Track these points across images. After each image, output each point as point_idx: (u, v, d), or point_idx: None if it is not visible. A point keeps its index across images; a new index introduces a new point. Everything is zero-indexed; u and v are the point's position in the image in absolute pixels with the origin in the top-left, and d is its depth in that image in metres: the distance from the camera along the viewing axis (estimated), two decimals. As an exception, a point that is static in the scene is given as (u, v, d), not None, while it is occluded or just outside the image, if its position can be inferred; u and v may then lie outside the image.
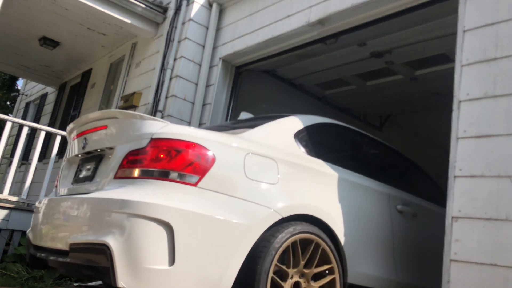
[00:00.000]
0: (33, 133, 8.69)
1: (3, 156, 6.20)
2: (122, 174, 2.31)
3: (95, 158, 2.63)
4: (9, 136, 5.12)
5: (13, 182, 5.11)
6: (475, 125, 2.72)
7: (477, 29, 2.90)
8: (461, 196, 2.66)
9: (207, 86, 5.33)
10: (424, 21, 4.19)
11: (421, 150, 7.59)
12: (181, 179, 2.23)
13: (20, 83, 16.00)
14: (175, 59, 5.39)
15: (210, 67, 5.39)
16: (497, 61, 2.74)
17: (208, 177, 2.27)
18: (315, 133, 3.10)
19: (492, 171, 2.57)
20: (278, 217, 2.41)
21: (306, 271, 2.50)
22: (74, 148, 2.88)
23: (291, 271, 2.44)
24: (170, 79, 5.32)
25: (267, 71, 6.06)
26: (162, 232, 2.08)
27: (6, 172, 8.89)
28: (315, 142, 3.05)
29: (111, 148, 2.49)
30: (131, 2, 5.61)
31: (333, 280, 2.58)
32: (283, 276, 2.41)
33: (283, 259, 2.43)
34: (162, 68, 5.41)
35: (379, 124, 7.66)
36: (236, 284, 2.22)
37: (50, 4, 5.86)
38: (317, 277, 2.56)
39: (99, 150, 2.60)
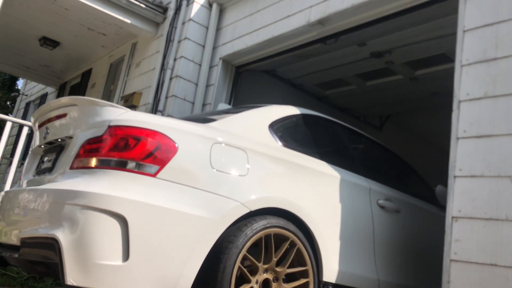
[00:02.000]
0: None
1: (3, 156, 6.20)
2: (79, 164, 2.18)
3: (56, 148, 2.50)
4: (9, 136, 5.11)
5: (13, 182, 5.11)
6: (475, 125, 2.72)
7: (477, 29, 2.90)
8: (461, 196, 2.66)
9: (207, 86, 5.33)
10: (424, 21, 4.19)
11: (421, 150, 7.61)
12: (139, 170, 2.10)
13: (20, 83, 16.02)
14: (175, 59, 5.38)
15: (210, 67, 5.39)
16: (497, 61, 2.74)
17: (169, 167, 2.14)
18: (293, 124, 2.97)
19: (492, 171, 2.57)
20: (246, 211, 2.28)
21: (276, 268, 2.38)
22: (37, 139, 2.78)
23: (260, 267, 2.31)
24: (170, 79, 5.32)
25: (267, 71, 6.06)
26: (115, 226, 1.96)
27: (6, 172, 8.89)
28: (292, 133, 2.93)
29: (70, 137, 2.36)
30: (131, 2, 5.61)
31: (307, 276, 2.48)
32: (251, 272, 2.28)
33: (254, 254, 2.31)
34: (162, 68, 5.41)
35: (379, 124, 7.66)
36: (197, 282, 2.10)
37: (50, 4, 5.85)
38: (289, 275, 2.46)
39: (60, 140, 2.47)
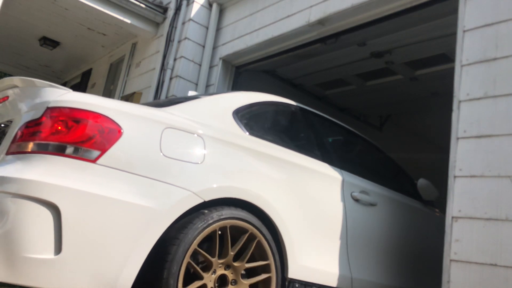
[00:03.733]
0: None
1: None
2: (15, 149, 2.01)
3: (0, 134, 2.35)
4: (9, 136, 5.12)
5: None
6: (475, 125, 2.72)
7: (477, 29, 2.90)
8: (461, 196, 2.66)
9: (207, 86, 5.34)
10: (424, 21, 4.19)
11: (421, 150, 7.60)
12: (78, 155, 1.93)
13: (20, 83, 15.97)
14: (175, 59, 5.39)
15: (210, 67, 5.39)
16: (497, 61, 2.74)
17: (111, 153, 1.98)
18: (260, 112, 2.83)
19: (492, 171, 2.57)
20: (199, 201, 2.12)
21: (235, 264, 2.24)
22: None
23: (214, 263, 2.15)
24: (170, 79, 5.32)
25: (267, 71, 6.06)
26: (47, 215, 1.80)
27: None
28: (259, 121, 2.79)
29: (11, 121, 2.20)
30: (131, 2, 5.61)
31: (268, 271, 2.34)
32: (205, 269, 2.14)
33: (211, 248, 2.17)
34: (162, 68, 5.42)
35: (379, 124, 7.66)
36: (141, 280, 1.95)
37: (50, 4, 5.85)
38: (249, 271, 2.32)
39: (2, 126, 2.30)
